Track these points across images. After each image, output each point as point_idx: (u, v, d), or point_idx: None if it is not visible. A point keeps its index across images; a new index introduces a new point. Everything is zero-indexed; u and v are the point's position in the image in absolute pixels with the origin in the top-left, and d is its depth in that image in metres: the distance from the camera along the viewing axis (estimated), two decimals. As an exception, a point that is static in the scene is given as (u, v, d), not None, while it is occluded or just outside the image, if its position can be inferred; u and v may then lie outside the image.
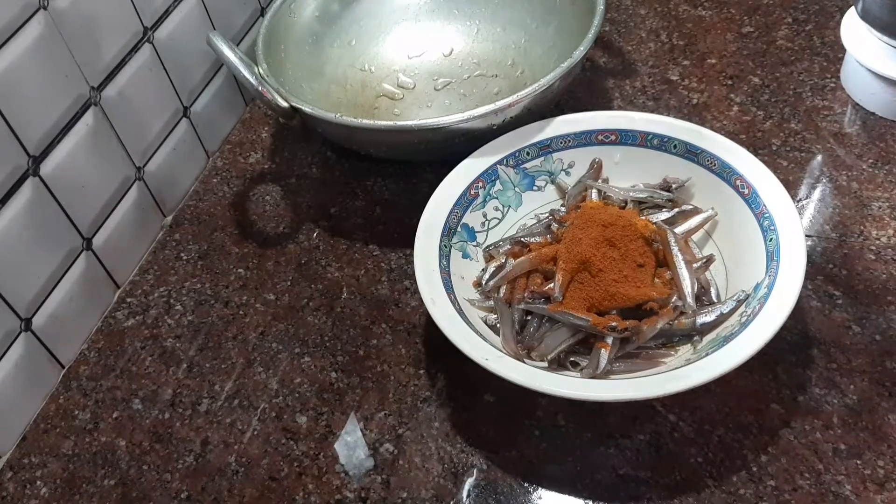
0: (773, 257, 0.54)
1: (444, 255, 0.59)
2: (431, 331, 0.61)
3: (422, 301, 0.63)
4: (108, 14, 0.63)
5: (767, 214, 0.56)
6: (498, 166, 0.63)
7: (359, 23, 0.83)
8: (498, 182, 0.64)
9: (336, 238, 0.69)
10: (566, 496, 0.52)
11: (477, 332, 0.53)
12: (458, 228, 0.61)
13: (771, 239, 0.55)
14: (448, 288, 0.56)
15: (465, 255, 0.61)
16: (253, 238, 0.71)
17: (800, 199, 0.66)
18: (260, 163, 0.78)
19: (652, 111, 0.75)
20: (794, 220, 0.55)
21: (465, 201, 0.62)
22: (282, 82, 0.70)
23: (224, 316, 0.65)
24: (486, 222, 0.63)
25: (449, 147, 0.65)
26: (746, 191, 0.58)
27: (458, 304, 0.56)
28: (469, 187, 0.62)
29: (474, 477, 0.53)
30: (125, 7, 0.65)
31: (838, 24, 0.74)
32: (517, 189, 0.64)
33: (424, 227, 0.60)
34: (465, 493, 0.52)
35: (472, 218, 0.62)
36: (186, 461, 0.56)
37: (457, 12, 0.83)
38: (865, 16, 0.68)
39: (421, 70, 0.82)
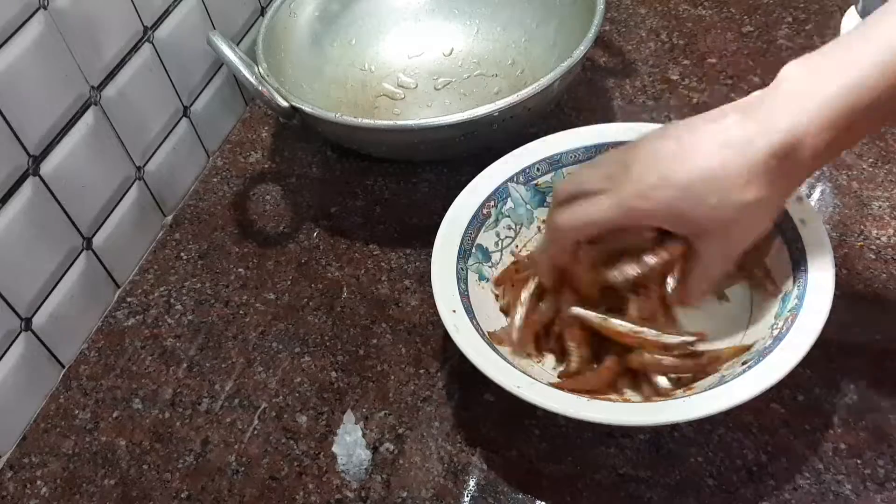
0: (799, 266, 0.53)
1: (462, 279, 0.57)
2: (431, 330, 0.61)
3: (422, 300, 0.63)
4: (108, 14, 0.63)
5: (791, 225, 0.55)
6: (509, 184, 0.62)
7: (359, 22, 0.83)
8: (509, 200, 0.62)
9: (336, 238, 0.69)
10: (566, 496, 0.52)
11: (504, 357, 0.52)
12: (473, 250, 0.60)
13: (797, 248, 0.54)
14: (469, 314, 0.54)
15: (482, 278, 0.59)
16: (253, 238, 0.71)
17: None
18: (260, 162, 0.78)
19: (652, 111, 0.75)
20: (823, 240, 0.53)
21: (477, 221, 0.60)
22: (282, 82, 0.70)
23: (224, 315, 0.65)
24: (500, 241, 0.62)
25: (449, 147, 0.65)
26: None
27: (481, 329, 0.54)
28: (482, 207, 0.61)
29: (474, 476, 0.53)
30: (125, 7, 0.65)
31: (838, 23, 0.74)
32: (528, 206, 0.63)
33: (440, 250, 0.58)
34: (465, 493, 0.53)
35: (486, 238, 0.61)
36: (186, 461, 0.57)
37: (457, 12, 0.83)
38: (866, 15, 0.68)
39: (421, 69, 0.82)
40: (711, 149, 0.46)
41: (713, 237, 0.48)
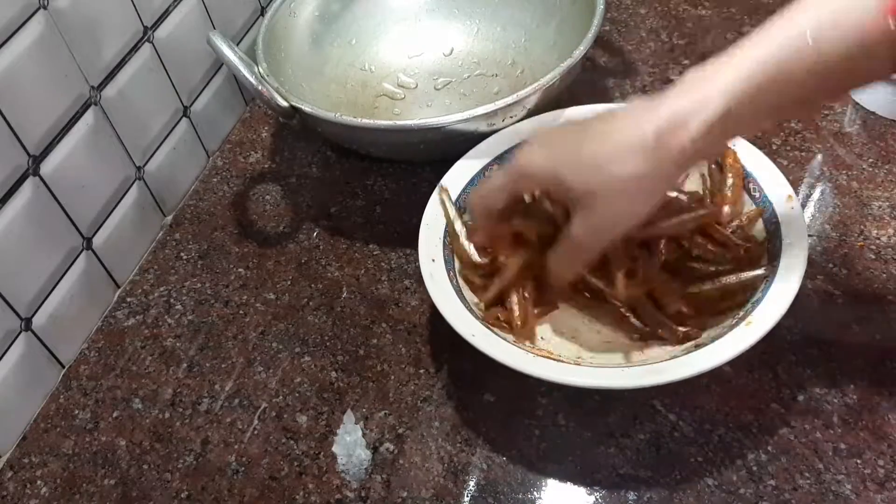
0: (773, 260, 0.54)
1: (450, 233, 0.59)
2: (432, 330, 0.61)
3: (422, 300, 0.63)
4: (108, 14, 0.63)
5: (775, 221, 0.56)
6: (515, 150, 0.63)
7: (359, 22, 0.83)
8: None
9: (336, 238, 0.69)
10: (566, 496, 0.52)
11: (471, 310, 0.54)
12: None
13: (775, 244, 0.55)
14: (449, 265, 0.57)
15: None
16: (253, 238, 0.71)
17: (800, 199, 0.66)
18: (260, 162, 0.78)
19: (652, 111, 0.75)
20: (801, 232, 0.54)
21: (478, 181, 0.62)
22: (282, 82, 0.70)
23: (224, 315, 0.65)
24: None
25: (449, 147, 0.65)
26: (757, 195, 0.58)
27: (457, 280, 0.56)
28: (485, 168, 0.63)
29: (474, 477, 0.53)
30: (125, 7, 0.65)
31: (838, 23, 0.74)
32: None
33: (434, 202, 0.60)
34: (465, 493, 0.52)
35: None
36: (186, 461, 0.56)
37: (457, 11, 0.83)
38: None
39: (421, 69, 0.82)
40: (602, 132, 0.50)
41: (584, 207, 0.50)
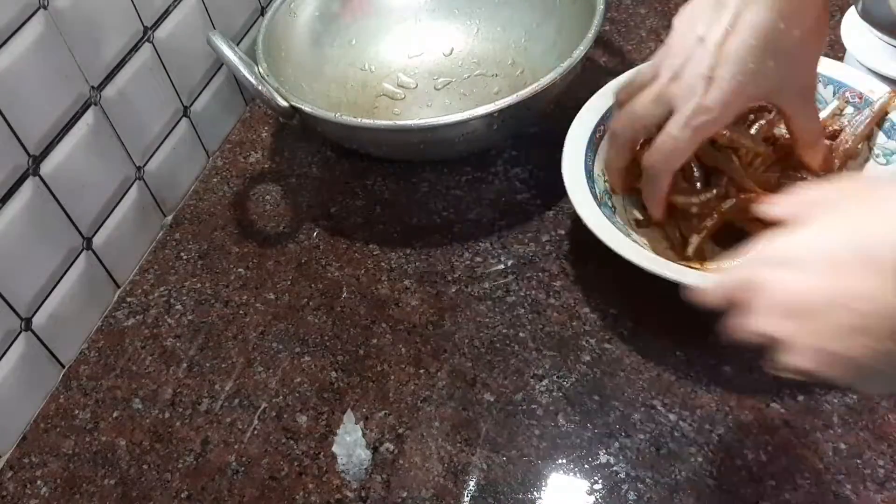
0: None
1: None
2: (431, 330, 0.61)
3: (422, 300, 0.63)
4: (108, 14, 0.63)
5: None
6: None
7: (359, 22, 0.83)
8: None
9: (336, 238, 0.69)
10: (566, 496, 0.52)
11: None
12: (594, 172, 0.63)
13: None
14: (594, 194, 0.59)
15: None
16: (253, 237, 0.71)
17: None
18: (260, 162, 0.78)
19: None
20: None
21: (593, 146, 0.63)
22: (282, 82, 0.70)
23: (224, 315, 0.65)
24: None
25: (449, 147, 0.65)
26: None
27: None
28: (594, 131, 0.63)
29: (474, 477, 0.53)
30: (125, 7, 0.65)
31: (838, 23, 0.74)
32: None
33: (569, 155, 0.61)
34: (465, 493, 0.53)
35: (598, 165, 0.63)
36: (186, 461, 0.57)
37: (457, 11, 0.83)
38: (865, 15, 0.68)
39: (421, 69, 0.82)
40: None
41: (787, 87, 0.52)
